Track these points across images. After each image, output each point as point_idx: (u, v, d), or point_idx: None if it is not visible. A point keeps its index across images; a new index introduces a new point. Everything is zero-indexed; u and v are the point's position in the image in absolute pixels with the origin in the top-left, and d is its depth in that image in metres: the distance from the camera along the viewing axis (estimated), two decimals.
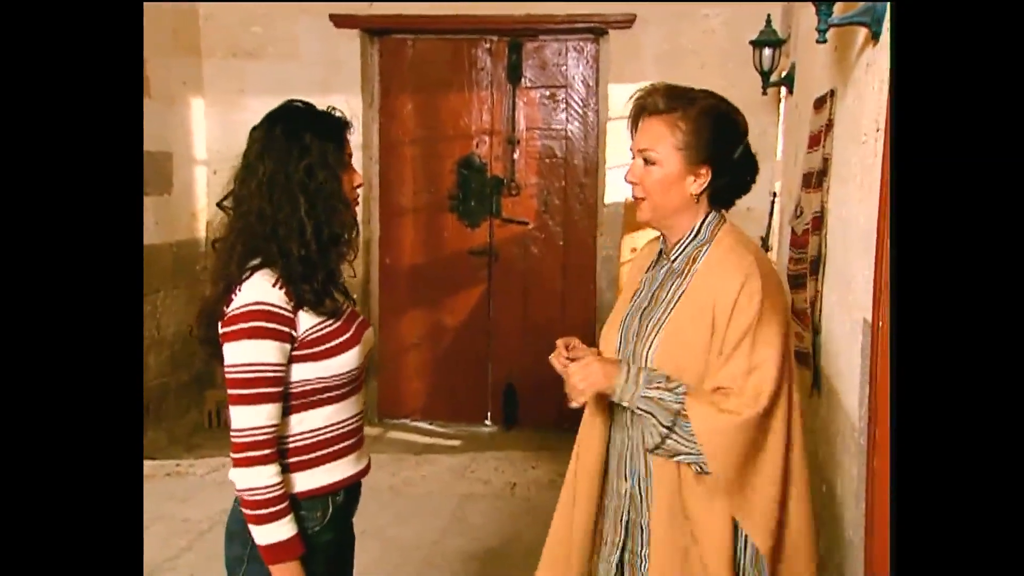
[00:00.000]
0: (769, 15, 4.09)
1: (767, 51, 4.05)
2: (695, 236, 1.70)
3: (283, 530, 1.58)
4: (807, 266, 2.69)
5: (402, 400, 5.46)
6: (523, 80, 5.19)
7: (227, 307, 1.60)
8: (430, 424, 5.40)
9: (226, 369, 1.58)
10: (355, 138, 5.47)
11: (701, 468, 1.59)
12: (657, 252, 1.81)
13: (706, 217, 1.71)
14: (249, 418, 1.56)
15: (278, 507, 1.57)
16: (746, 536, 1.63)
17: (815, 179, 2.67)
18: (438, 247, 5.36)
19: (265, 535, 1.57)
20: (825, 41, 2.09)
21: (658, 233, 1.80)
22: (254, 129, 1.67)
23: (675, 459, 1.61)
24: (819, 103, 2.77)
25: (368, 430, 5.81)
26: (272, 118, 1.66)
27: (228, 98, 5.17)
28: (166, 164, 4.85)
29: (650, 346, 1.67)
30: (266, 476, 1.57)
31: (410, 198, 5.34)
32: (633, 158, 1.72)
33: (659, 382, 1.60)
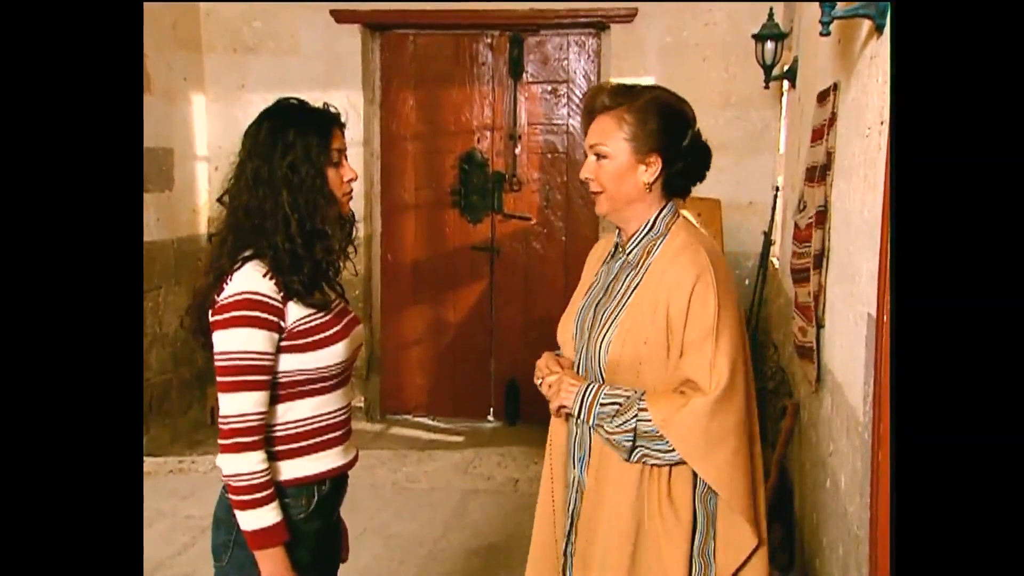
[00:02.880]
0: (771, 8, 4.08)
1: (769, 45, 4.04)
2: (650, 229, 1.76)
3: (268, 516, 1.61)
4: (810, 260, 2.68)
5: (404, 396, 5.46)
6: (524, 75, 5.18)
7: (218, 296, 1.63)
8: (432, 420, 5.40)
9: (216, 356, 1.62)
10: (356, 134, 5.44)
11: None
12: (613, 246, 1.87)
13: (661, 210, 1.76)
14: (237, 405, 1.60)
15: (263, 493, 1.61)
16: (695, 524, 1.69)
17: (818, 173, 2.66)
18: (440, 243, 5.35)
19: (250, 520, 1.60)
20: (828, 34, 2.08)
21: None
22: (248, 127, 1.72)
23: (651, 463, 1.67)
24: (822, 96, 2.76)
25: (370, 426, 5.80)
26: (262, 116, 1.71)
27: (229, 94, 5.16)
28: (167, 160, 4.84)
29: (603, 338, 1.73)
30: (253, 462, 1.60)
31: (412, 194, 5.33)
32: (586, 156, 1.78)
33: (606, 418, 1.66)
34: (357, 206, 5.12)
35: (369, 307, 5.33)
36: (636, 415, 1.63)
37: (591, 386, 1.71)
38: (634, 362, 1.68)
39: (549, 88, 5.20)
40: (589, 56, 5.14)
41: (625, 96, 1.73)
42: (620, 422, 1.64)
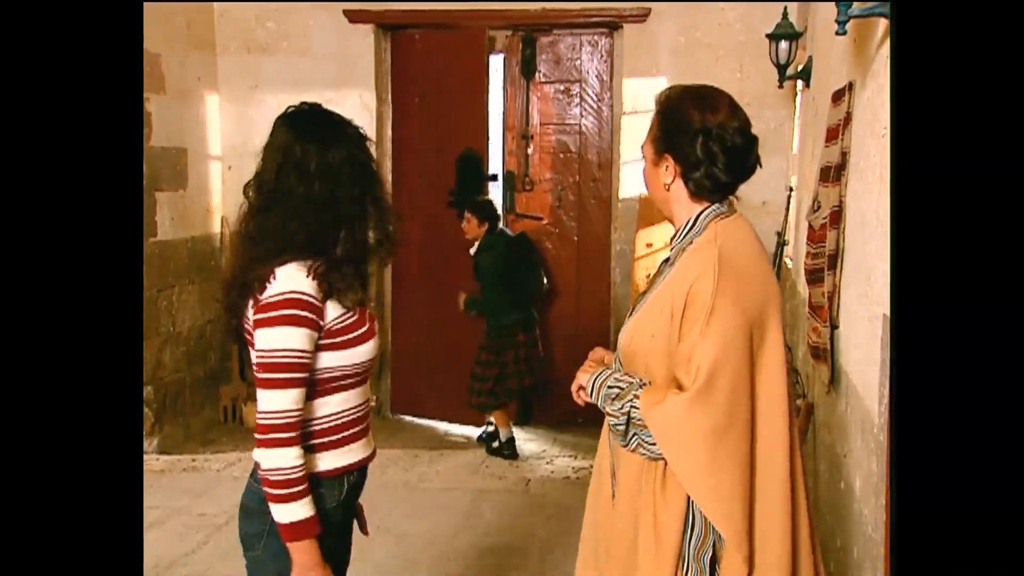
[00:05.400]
0: (786, 8, 4.06)
1: (783, 44, 4.02)
2: (690, 228, 1.74)
3: (303, 510, 1.64)
4: (825, 261, 2.67)
5: (416, 396, 5.46)
6: (537, 75, 5.17)
7: (260, 294, 1.66)
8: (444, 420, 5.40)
9: (257, 353, 1.65)
10: (368, 133, 5.50)
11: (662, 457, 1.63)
12: None
13: (705, 209, 1.73)
14: (277, 401, 1.63)
15: (299, 488, 1.64)
16: (693, 523, 1.62)
17: (833, 173, 2.64)
18: (452, 242, 5.35)
19: (286, 514, 1.64)
20: (844, 33, 2.07)
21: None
22: (288, 139, 1.69)
23: (643, 454, 1.66)
24: (837, 96, 2.74)
25: (382, 426, 5.79)
26: (338, 126, 1.72)
27: (242, 94, 5.18)
28: (181, 160, 4.86)
29: (621, 334, 1.76)
30: (290, 457, 1.63)
31: (423, 193, 5.34)
32: None
33: (608, 400, 1.68)
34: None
35: (380, 307, 5.34)
36: (630, 400, 1.64)
37: (605, 370, 1.75)
38: (643, 355, 1.69)
39: (562, 88, 5.19)
40: (602, 56, 5.14)
41: (660, 96, 1.77)
42: (618, 406, 1.66)
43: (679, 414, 1.56)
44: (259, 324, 1.65)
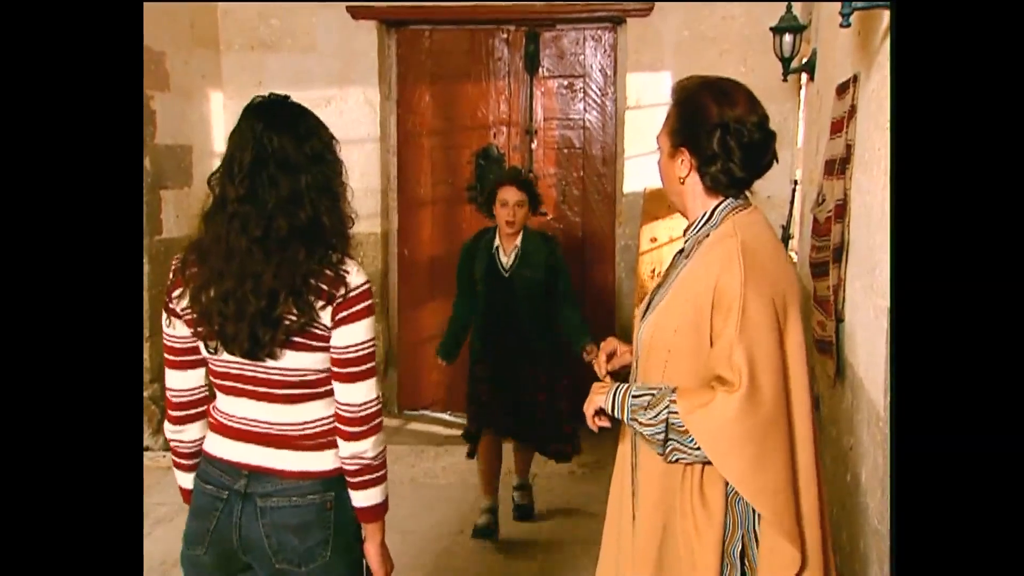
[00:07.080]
0: (790, 1, 4.05)
1: (788, 37, 4.00)
2: (706, 221, 1.71)
3: (386, 487, 1.75)
4: (830, 254, 2.66)
5: (421, 392, 5.47)
6: (541, 70, 5.17)
7: (337, 290, 1.62)
8: (450, 415, 5.40)
9: (352, 347, 1.65)
10: (373, 130, 5.42)
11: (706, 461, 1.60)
12: None
13: (721, 203, 1.70)
14: (375, 388, 1.70)
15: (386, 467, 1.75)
16: (733, 519, 1.62)
17: (838, 166, 2.64)
18: (456, 238, 5.35)
19: (380, 494, 1.74)
20: (849, 25, 2.06)
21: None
22: (285, 141, 1.64)
23: (681, 459, 1.62)
24: (842, 89, 2.74)
25: (388, 421, 5.78)
26: (311, 129, 1.68)
27: (247, 91, 5.12)
28: (185, 157, 4.87)
29: (644, 323, 1.73)
30: (383, 439, 1.71)
31: (428, 189, 5.34)
32: None
33: (639, 410, 1.63)
34: (374, 202, 5.15)
35: (386, 303, 5.34)
36: (667, 406, 1.59)
37: (620, 385, 1.70)
38: (663, 350, 1.66)
39: (565, 83, 5.19)
40: (605, 51, 5.12)
41: (677, 88, 1.77)
42: (653, 414, 1.61)
43: (731, 415, 1.54)
44: (352, 318, 1.64)
